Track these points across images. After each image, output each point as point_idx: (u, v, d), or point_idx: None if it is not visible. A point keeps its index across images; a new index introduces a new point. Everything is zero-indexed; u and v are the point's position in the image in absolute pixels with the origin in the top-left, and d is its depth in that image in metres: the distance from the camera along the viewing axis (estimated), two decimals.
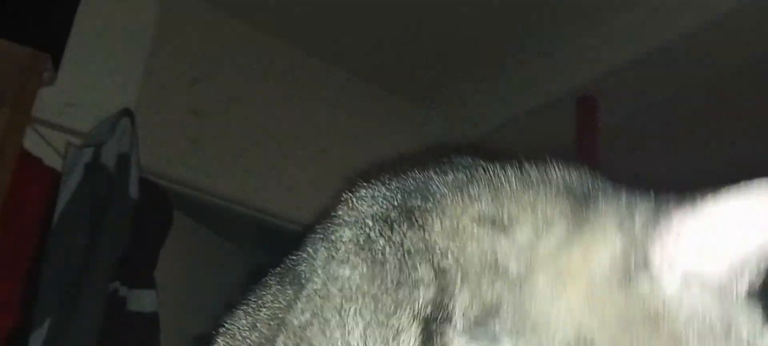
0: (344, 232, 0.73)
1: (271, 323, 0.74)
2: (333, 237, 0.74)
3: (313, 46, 3.89)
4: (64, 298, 2.28)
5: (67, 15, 2.94)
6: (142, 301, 2.55)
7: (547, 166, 0.74)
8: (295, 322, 0.68)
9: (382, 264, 0.68)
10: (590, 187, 0.72)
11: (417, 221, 0.72)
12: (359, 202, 0.77)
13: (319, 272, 0.71)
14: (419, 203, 0.74)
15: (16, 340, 2.29)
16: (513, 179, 0.72)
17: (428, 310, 0.66)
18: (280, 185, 3.58)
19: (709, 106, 4.03)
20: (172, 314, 2.73)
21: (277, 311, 0.74)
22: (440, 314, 0.66)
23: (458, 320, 0.65)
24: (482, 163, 0.78)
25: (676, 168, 4.75)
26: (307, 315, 0.68)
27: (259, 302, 0.79)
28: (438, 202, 0.74)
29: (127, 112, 2.63)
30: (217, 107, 3.54)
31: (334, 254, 0.72)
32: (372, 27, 3.74)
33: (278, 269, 0.81)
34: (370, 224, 0.72)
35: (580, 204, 0.68)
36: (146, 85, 3.12)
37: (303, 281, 0.74)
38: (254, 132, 3.60)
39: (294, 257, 0.80)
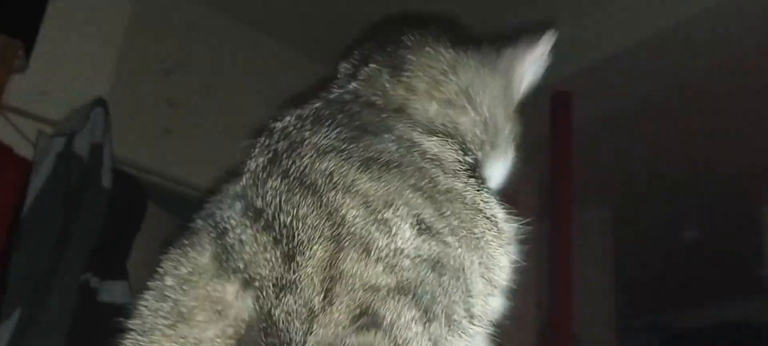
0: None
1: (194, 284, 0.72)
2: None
3: (289, 37, 3.88)
4: (35, 289, 2.25)
5: (40, 1, 2.90)
6: (113, 292, 2.52)
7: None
8: (266, 270, 0.67)
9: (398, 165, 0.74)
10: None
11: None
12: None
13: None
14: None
15: None
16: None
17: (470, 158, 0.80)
18: None
19: (682, 104, 4.09)
20: None
21: (189, 276, 0.72)
22: (475, 157, 0.82)
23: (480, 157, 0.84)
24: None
25: (650, 164, 4.81)
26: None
27: (161, 272, 0.76)
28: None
29: (100, 102, 2.60)
30: (191, 97, 3.52)
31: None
32: (351, 21, 3.74)
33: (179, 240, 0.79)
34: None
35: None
36: (120, 75, 3.09)
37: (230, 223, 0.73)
38: (229, 122, 3.58)
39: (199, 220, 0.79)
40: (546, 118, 3.69)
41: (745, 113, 4.21)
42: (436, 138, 0.78)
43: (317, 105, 0.84)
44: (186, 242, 0.76)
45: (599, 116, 4.01)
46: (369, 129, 0.77)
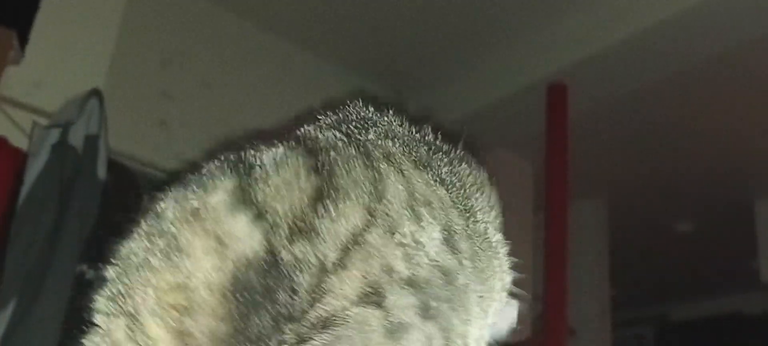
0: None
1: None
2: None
3: (286, 31, 3.87)
4: (30, 280, 2.26)
5: None
6: None
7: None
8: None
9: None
10: None
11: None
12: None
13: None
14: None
15: None
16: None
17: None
18: None
19: (677, 97, 4.10)
20: None
21: (196, 210, 0.66)
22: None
23: None
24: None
25: (645, 157, 4.83)
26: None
27: (159, 210, 0.70)
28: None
29: (95, 93, 2.59)
30: (186, 90, 3.51)
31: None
32: (346, 13, 3.73)
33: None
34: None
35: None
36: (115, 66, 3.08)
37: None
38: (224, 115, 3.58)
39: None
40: (542, 110, 3.70)
41: (739, 107, 4.22)
42: (483, 195, 0.79)
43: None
44: (191, 182, 0.70)
45: (595, 109, 4.02)
46: (442, 149, 0.78)
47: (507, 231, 0.84)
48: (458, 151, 0.82)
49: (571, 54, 3.62)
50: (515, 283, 0.82)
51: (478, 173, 0.82)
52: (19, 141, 2.61)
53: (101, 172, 2.49)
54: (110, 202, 2.53)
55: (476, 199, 0.77)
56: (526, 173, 4.63)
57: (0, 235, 2.38)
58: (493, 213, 0.80)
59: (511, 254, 0.85)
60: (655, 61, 3.56)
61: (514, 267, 0.81)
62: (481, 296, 0.71)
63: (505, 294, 0.77)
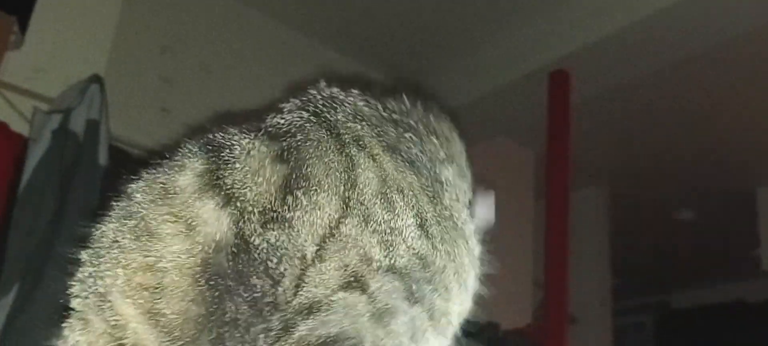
0: None
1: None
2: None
3: (286, 16, 3.86)
4: (32, 266, 2.26)
5: None
6: None
7: None
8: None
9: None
10: None
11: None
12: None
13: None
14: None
15: None
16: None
17: None
18: None
19: (680, 84, 4.08)
20: None
21: (164, 192, 0.67)
22: None
23: None
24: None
25: (647, 145, 4.82)
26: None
27: (129, 192, 0.71)
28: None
29: (96, 78, 2.59)
30: (187, 75, 3.51)
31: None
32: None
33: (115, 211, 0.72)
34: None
35: None
36: (116, 52, 3.07)
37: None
38: (224, 101, 3.57)
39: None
40: (544, 97, 3.69)
41: (742, 94, 4.21)
42: (454, 168, 0.78)
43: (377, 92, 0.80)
44: (161, 164, 0.70)
45: (596, 96, 4.00)
46: (410, 126, 0.76)
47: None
48: (427, 120, 0.80)
49: (574, 41, 3.60)
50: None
51: (447, 140, 0.80)
52: (20, 126, 2.61)
53: (102, 158, 2.48)
54: (111, 188, 2.52)
55: (445, 176, 0.76)
56: (528, 160, 4.62)
57: (2, 220, 2.38)
58: (464, 187, 0.79)
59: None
60: (658, 49, 3.55)
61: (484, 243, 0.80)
62: (456, 273, 0.71)
63: (478, 264, 0.77)
